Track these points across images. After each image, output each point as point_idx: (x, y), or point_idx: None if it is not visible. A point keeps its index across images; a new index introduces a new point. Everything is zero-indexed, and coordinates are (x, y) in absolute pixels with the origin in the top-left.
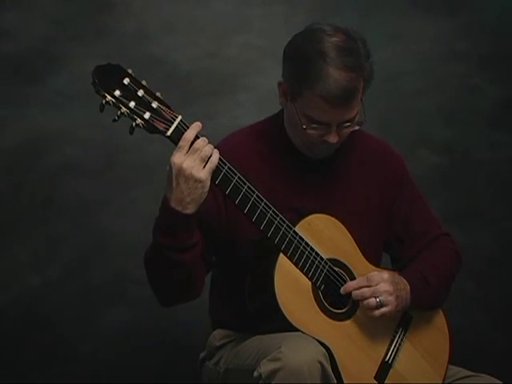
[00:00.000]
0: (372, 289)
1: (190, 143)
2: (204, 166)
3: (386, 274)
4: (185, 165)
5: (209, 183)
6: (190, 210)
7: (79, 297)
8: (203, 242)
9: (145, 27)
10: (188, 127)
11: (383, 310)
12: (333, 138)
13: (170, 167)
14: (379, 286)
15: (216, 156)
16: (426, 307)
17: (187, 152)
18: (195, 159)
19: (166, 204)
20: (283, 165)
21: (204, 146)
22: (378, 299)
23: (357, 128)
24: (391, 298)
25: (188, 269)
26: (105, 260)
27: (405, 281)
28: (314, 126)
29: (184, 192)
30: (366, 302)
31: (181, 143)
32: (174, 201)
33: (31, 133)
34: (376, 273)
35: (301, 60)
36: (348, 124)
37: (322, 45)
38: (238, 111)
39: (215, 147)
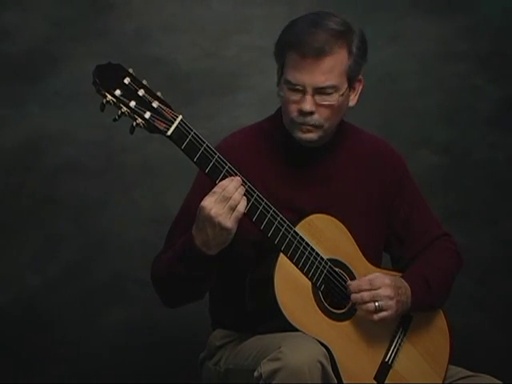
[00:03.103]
0: (372, 293)
1: (223, 191)
2: (231, 215)
3: (387, 279)
4: (213, 212)
5: (235, 231)
6: (214, 251)
7: (79, 297)
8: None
9: (145, 27)
10: (188, 127)
11: (382, 314)
12: (305, 104)
13: (199, 210)
14: (380, 290)
15: (243, 205)
16: (426, 310)
17: (218, 200)
18: (224, 207)
19: (192, 242)
20: (282, 164)
21: (234, 192)
22: (377, 304)
23: (333, 103)
24: (391, 303)
25: (199, 291)
26: (105, 260)
27: (406, 285)
28: (290, 90)
29: (209, 236)
30: (364, 306)
31: (215, 189)
32: (199, 241)
33: (31, 133)
34: (378, 276)
35: (282, 33)
36: (323, 92)
37: (296, 19)
38: (238, 111)
39: (215, 147)
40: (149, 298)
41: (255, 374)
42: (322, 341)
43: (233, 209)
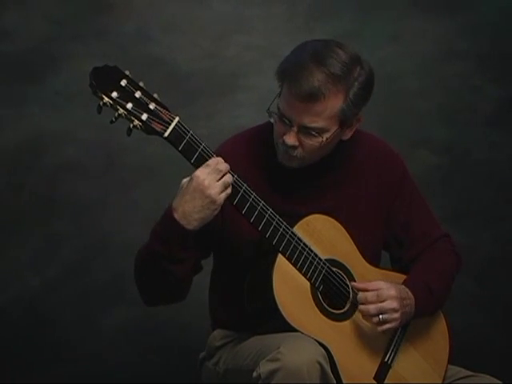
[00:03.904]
0: (378, 306)
1: (217, 164)
2: (223, 191)
3: (393, 291)
4: (206, 182)
5: (219, 209)
6: (192, 226)
7: (79, 297)
8: (198, 246)
9: (145, 27)
10: (186, 128)
11: (386, 326)
12: (288, 138)
13: (191, 179)
14: (386, 303)
15: (230, 189)
16: (428, 315)
17: (212, 172)
18: (217, 181)
19: (170, 214)
20: (279, 169)
21: (226, 170)
22: (381, 317)
23: (316, 144)
24: (396, 316)
25: (175, 279)
26: (105, 260)
27: (411, 294)
28: (279, 119)
29: (196, 208)
30: (370, 318)
31: (209, 162)
32: (180, 213)
33: (31, 133)
34: (385, 287)
35: (286, 58)
36: (308, 132)
37: (305, 45)
38: (238, 111)
39: (215, 150)
40: None
41: (254, 374)
42: (321, 341)
43: (225, 186)
